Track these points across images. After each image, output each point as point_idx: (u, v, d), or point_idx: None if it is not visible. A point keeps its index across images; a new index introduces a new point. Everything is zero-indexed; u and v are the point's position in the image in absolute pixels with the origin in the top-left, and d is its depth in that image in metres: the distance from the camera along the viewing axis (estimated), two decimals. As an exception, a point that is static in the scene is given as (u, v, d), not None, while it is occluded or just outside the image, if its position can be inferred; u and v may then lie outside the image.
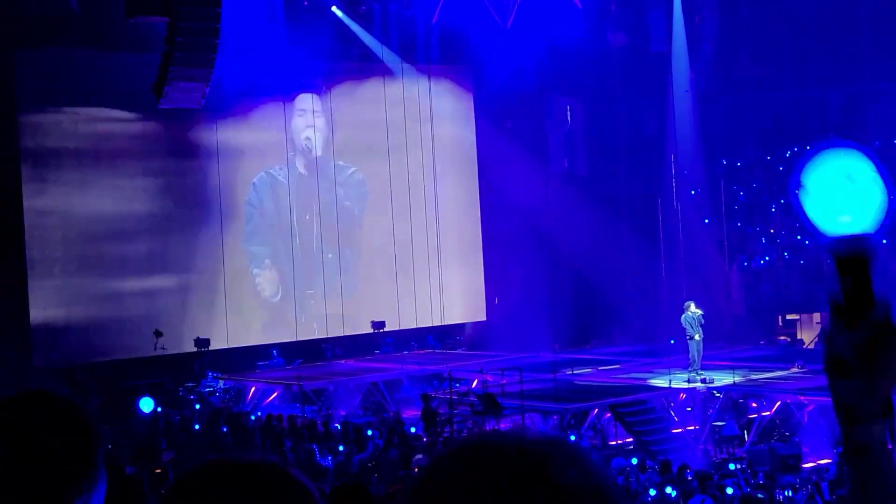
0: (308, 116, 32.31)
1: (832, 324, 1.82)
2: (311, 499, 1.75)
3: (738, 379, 24.00)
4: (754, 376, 24.69)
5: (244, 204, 31.32)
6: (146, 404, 21.86)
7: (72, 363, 26.53)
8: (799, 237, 32.98)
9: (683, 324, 24.30)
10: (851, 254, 1.82)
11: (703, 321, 24.19)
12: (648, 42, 32.98)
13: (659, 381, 24.66)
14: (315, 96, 32.29)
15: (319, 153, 32.44)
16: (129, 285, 28.69)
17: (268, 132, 31.13)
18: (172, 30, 20.83)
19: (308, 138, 32.26)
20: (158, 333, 27.19)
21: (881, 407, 1.88)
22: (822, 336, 1.88)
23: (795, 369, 24.85)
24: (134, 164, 29.18)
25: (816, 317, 31.96)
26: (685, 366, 24.43)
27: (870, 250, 1.83)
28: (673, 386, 23.97)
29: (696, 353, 24.21)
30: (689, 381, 24.02)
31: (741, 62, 32.60)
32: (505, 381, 22.79)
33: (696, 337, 24.13)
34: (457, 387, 23.38)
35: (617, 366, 27.49)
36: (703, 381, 23.81)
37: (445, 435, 21.21)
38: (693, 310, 24.34)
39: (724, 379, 24.00)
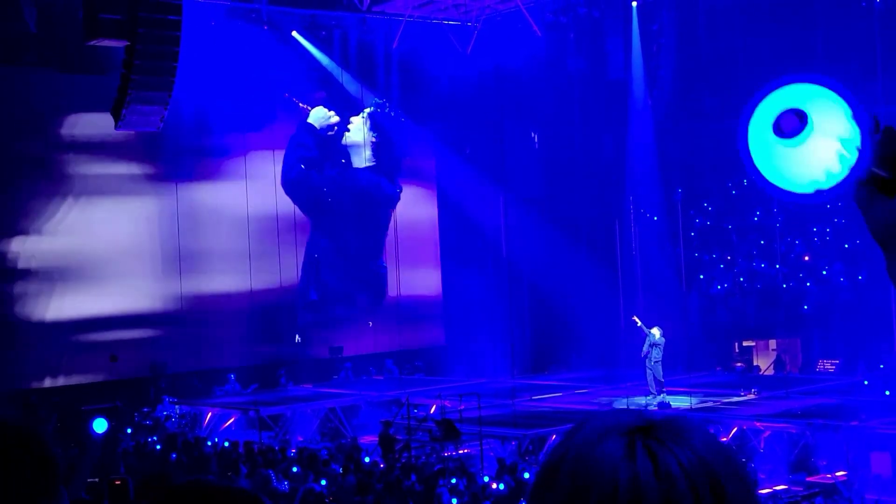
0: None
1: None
2: None
3: (694, 404, 24.12)
4: (711, 402, 24.83)
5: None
6: (99, 425, 21.26)
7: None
8: (755, 263, 33.23)
9: None
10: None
11: (652, 343, 24.46)
12: (607, 69, 33.19)
13: (618, 406, 24.76)
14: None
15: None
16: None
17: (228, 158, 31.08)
18: (131, 53, 20.72)
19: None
20: (114, 358, 26.92)
21: None
22: (860, 163, 1.82)
23: (752, 395, 25.01)
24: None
25: (772, 343, 32.19)
26: (644, 391, 24.65)
27: None
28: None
29: (650, 377, 24.48)
30: (646, 406, 24.15)
31: (699, 89, 32.87)
32: (463, 407, 22.77)
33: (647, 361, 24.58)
34: (415, 412, 23.30)
35: (585, 390, 27.59)
36: (661, 405, 23.91)
37: (403, 461, 21.12)
38: (653, 333, 24.63)
39: (680, 404, 24.11)
